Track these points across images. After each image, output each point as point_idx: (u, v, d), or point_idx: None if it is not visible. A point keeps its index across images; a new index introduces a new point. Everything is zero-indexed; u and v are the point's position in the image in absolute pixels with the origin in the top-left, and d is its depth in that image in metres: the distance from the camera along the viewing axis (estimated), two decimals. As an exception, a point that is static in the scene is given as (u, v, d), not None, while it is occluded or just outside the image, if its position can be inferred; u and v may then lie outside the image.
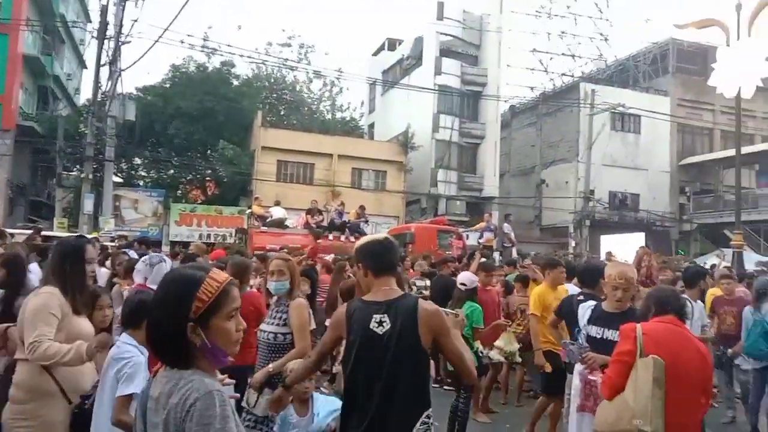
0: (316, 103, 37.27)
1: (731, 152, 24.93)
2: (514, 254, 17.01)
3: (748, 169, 29.56)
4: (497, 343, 6.34)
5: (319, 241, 15.43)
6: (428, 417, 2.62)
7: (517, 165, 34.82)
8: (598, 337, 3.81)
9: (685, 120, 32.61)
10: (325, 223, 16.74)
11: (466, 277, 6.03)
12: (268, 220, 16.79)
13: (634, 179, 31.49)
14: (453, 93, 30.34)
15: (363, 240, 2.93)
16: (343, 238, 15.92)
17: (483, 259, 9.06)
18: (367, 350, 2.63)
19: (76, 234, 10.07)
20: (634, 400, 3.07)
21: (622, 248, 22.06)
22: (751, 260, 19.10)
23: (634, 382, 3.11)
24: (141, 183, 29.71)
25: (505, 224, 18.47)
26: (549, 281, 5.99)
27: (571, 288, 5.67)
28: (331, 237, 16.00)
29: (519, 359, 6.82)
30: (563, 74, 34.93)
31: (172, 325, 1.61)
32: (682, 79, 32.56)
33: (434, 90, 29.55)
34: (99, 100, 20.55)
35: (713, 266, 15.13)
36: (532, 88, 35.86)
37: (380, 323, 2.62)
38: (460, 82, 30.74)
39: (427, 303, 2.80)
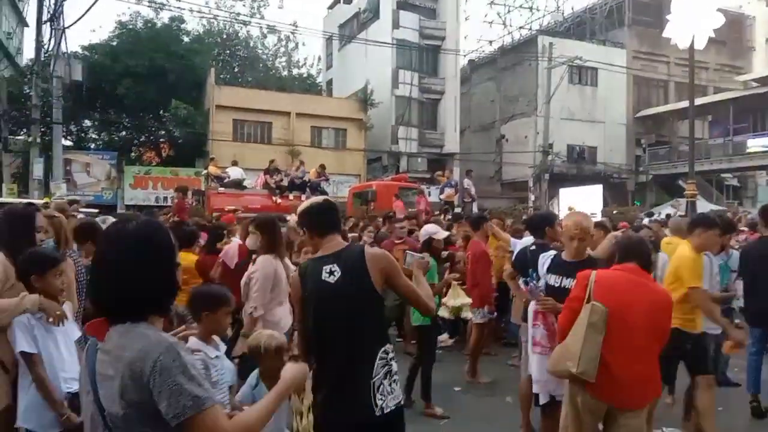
0: (271, 59, 36.40)
1: (685, 104, 25.33)
2: (475, 209, 17.14)
3: (701, 120, 30.20)
4: (444, 299, 6.17)
5: (278, 201, 15.27)
6: (386, 353, 2.73)
7: (477, 120, 34.83)
8: (557, 285, 3.86)
9: (640, 72, 32.99)
10: (285, 183, 16.51)
11: (423, 230, 6.04)
12: (225, 181, 16.47)
13: (591, 132, 31.90)
14: (411, 47, 29.92)
15: (303, 205, 2.98)
16: (303, 197, 15.75)
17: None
18: (322, 301, 2.72)
19: (26, 201, 9.70)
20: (572, 344, 3.15)
21: (581, 200, 22.46)
22: (705, 209, 19.67)
23: (575, 326, 3.18)
24: (92, 146, 28.67)
25: (466, 180, 18.53)
26: (697, 245, 4.59)
27: (527, 240, 5.69)
28: (291, 197, 15.81)
29: (469, 314, 6.29)
30: (521, 27, 34.84)
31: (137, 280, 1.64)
32: (638, 32, 32.78)
33: (392, 44, 29.09)
34: (42, 59, 19.57)
35: (668, 216, 15.53)
36: (490, 42, 35.70)
37: (331, 273, 2.72)
38: (418, 36, 30.29)
39: (374, 248, 2.96)
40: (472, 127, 34.65)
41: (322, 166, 17.78)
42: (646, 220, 13.17)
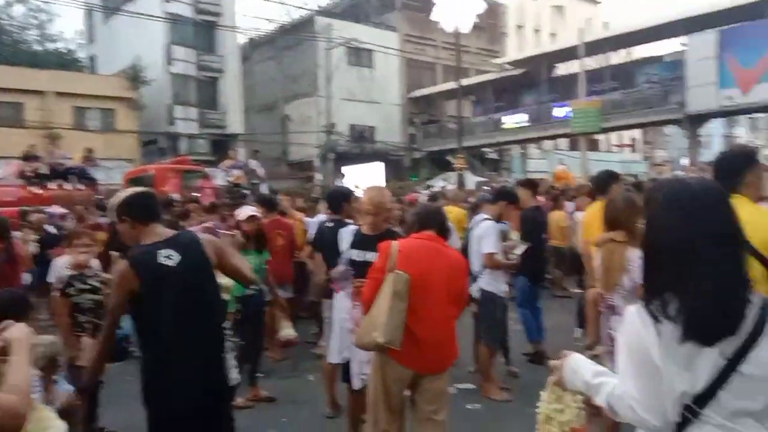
0: (19, 31, 31.85)
1: (452, 85, 27.57)
2: (264, 190, 16.79)
3: (466, 100, 33.06)
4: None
5: (38, 191, 13.41)
6: (226, 328, 3.00)
7: (260, 100, 34.20)
8: (360, 260, 3.83)
9: (411, 55, 34.99)
10: (44, 171, 14.52)
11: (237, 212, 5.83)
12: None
13: (370, 112, 33.17)
14: (185, 22, 28.21)
15: (122, 195, 2.94)
16: (68, 186, 14.02)
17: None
18: (166, 284, 2.70)
19: None
20: (377, 314, 3.17)
21: (364, 178, 23.25)
22: (471, 180, 21.67)
23: (379, 297, 3.20)
24: None
25: (253, 161, 18.09)
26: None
27: (321, 217, 5.66)
28: (53, 186, 13.96)
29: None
30: (299, 7, 34.83)
31: None
32: (408, 15, 34.64)
33: (164, 18, 27.13)
34: None
35: (443, 188, 16.78)
36: (269, 20, 35.16)
37: (168, 257, 2.72)
38: (193, 11, 28.66)
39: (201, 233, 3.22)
40: (256, 107, 33.96)
41: (89, 150, 15.99)
42: (424, 193, 14.02)
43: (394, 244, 3.32)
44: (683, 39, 25.12)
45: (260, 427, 4.69)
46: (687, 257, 1.53)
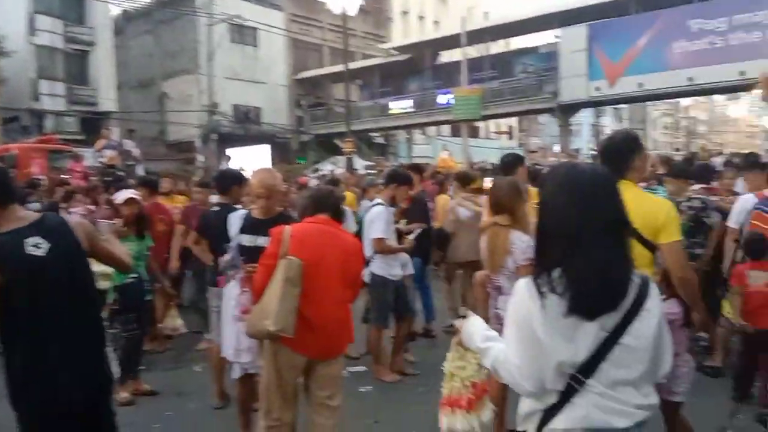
0: None
1: (339, 68, 27.48)
2: (140, 172, 15.92)
3: (352, 83, 33.08)
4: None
5: None
6: (103, 320, 2.89)
7: (135, 76, 32.23)
8: (251, 245, 3.70)
9: (298, 35, 34.43)
10: None
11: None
12: None
13: (255, 92, 32.30)
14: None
15: None
16: None
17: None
18: (37, 276, 2.46)
19: None
20: (269, 302, 3.09)
21: (250, 160, 22.71)
22: (360, 164, 21.80)
23: (271, 284, 3.12)
24: None
25: (128, 141, 17.10)
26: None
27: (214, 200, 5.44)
28: None
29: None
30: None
31: None
32: (294, -5, 34.02)
33: (24, -16, 24.78)
34: None
35: (332, 171, 16.75)
36: (144, -8, 33.08)
37: (37, 245, 2.45)
38: (58, -23, 26.39)
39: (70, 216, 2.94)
40: (131, 84, 32.00)
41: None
42: (313, 176, 13.91)
43: (287, 229, 3.23)
44: (558, 31, 26.58)
45: (144, 422, 4.45)
46: (576, 238, 1.64)
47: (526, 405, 1.77)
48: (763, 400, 4.35)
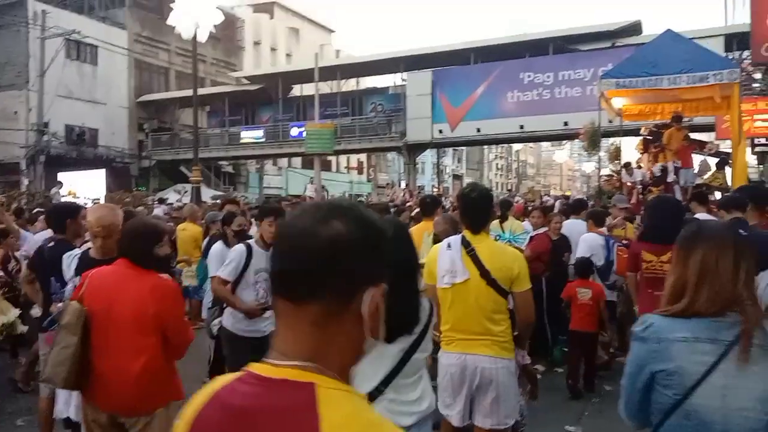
0: None
1: (187, 92, 26.50)
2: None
3: (201, 110, 32.11)
4: None
5: None
6: None
7: (-53, 87, 28.68)
8: (83, 286, 3.40)
9: (142, 56, 32.84)
10: None
11: None
12: None
13: (92, 113, 30.08)
14: None
15: None
16: None
17: None
18: None
19: None
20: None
21: (83, 185, 21.07)
22: (207, 194, 21.05)
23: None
24: None
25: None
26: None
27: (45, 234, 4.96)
28: None
29: (23, 329, 5.29)
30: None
31: None
32: (139, 15, 32.51)
33: None
34: None
35: (178, 200, 15.99)
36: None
37: None
38: None
39: None
40: (-59, 95, 28.40)
41: None
42: (159, 208, 13.19)
43: (91, 273, 3.07)
44: (405, 74, 27.92)
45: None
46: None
47: None
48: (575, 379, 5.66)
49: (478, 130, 25.40)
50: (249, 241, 4.59)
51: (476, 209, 3.19)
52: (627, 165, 11.51)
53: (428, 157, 44.51)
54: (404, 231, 2.22)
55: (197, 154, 16.54)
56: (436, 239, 3.94)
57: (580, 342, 5.75)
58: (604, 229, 6.52)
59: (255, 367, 0.98)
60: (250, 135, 31.68)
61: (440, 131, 26.01)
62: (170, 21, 14.40)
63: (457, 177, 60.25)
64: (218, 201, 17.21)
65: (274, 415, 0.92)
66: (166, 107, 34.12)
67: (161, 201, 17.87)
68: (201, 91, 25.32)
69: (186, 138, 30.59)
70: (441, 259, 3.20)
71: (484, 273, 3.06)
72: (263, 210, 4.93)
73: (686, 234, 1.89)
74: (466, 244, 3.12)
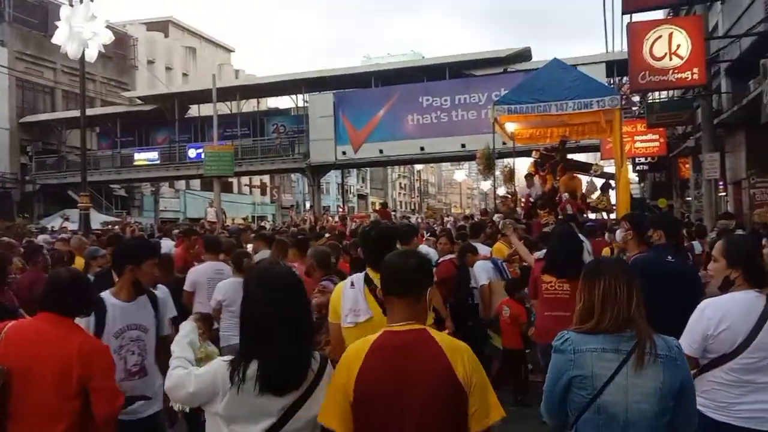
0: None
1: (74, 113, 25.12)
2: None
3: (90, 131, 30.44)
4: None
5: None
6: None
7: None
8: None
9: (25, 75, 30.84)
10: None
11: None
12: None
13: (-33, 135, 27.87)
14: None
15: None
16: None
17: None
18: None
19: None
20: None
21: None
22: (97, 220, 19.86)
23: None
24: None
25: None
26: None
27: None
28: None
29: None
30: None
31: None
32: (21, 32, 30.58)
33: None
34: None
35: (62, 227, 14.97)
36: None
37: None
38: None
39: None
40: None
41: None
42: (42, 237, 12.25)
43: (8, 327, 2.73)
44: (307, 96, 27.83)
45: None
46: (265, 330, 2.02)
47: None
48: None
49: (381, 152, 25.70)
50: (103, 293, 3.29)
51: (377, 246, 3.12)
52: (528, 176, 11.95)
53: (333, 177, 44.51)
54: (295, 283, 2.17)
55: (86, 178, 15.53)
56: None
57: (506, 358, 6.19)
58: (484, 253, 6.99)
59: (389, 328, 2.03)
60: (143, 157, 30.39)
61: (344, 153, 26.09)
62: (55, 40, 13.54)
63: (362, 197, 60.57)
64: (111, 225, 16.26)
65: (416, 343, 1.98)
66: (52, 128, 32.16)
67: (42, 230, 16.53)
68: (90, 112, 24.08)
69: (74, 160, 28.98)
70: (344, 298, 3.08)
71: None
72: (143, 248, 3.51)
73: (589, 269, 2.34)
74: (368, 281, 3.03)
